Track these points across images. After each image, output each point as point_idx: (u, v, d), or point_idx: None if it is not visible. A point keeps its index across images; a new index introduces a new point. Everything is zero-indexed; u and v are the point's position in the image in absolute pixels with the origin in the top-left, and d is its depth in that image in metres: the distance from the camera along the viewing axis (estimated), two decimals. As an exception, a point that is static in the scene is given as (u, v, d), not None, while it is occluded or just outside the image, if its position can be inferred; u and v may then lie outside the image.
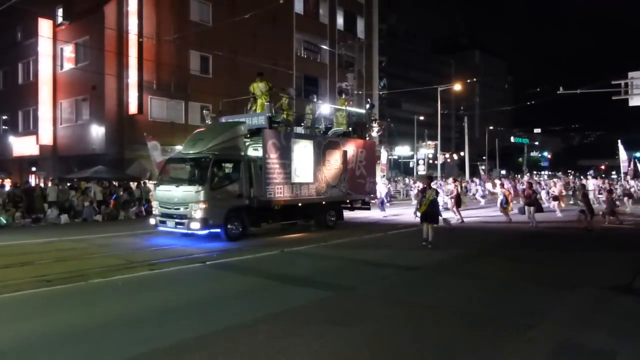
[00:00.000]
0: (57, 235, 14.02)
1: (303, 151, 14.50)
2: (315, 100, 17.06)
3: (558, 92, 24.30)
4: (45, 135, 28.03)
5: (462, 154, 51.03)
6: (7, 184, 21.26)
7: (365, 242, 13.29)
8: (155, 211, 13.41)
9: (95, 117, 25.65)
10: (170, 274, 8.89)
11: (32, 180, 27.69)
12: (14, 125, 31.40)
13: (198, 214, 12.07)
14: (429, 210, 11.65)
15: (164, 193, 12.99)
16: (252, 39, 28.64)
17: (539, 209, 16.87)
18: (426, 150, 55.14)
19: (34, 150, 28.79)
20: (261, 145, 13.36)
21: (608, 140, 44.94)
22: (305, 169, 14.54)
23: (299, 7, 35.55)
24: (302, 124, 16.08)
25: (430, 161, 54.07)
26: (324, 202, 15.42)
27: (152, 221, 13.28)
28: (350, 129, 16.99)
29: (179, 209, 12.44)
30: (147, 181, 21.76)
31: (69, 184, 20.89)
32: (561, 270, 9.43)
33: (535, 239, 14.22)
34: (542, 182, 31.25)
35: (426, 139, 56.44)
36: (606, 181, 29.52)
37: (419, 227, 12.29)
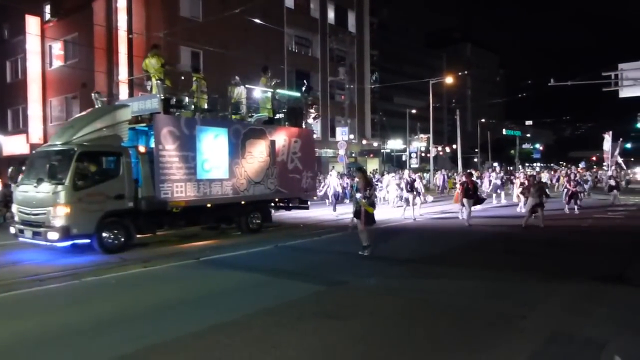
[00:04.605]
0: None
1: (214, 141, 12.36)
2: (237, 80, 14.28)
3: (549, 84, 24.41)
4: (36, 134, 27.83)
5: (454, 146, 51.17)
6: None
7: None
8: (15, 217, 10.94)
9: (86, 115, 25.44)
10: (163, 271, 8.88)
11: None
12: (3, 124, 31.12)
13: (57, 221, 9.66)
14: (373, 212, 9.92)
15: (23, 195, 10.59)
16: (242, 34, 28.51)
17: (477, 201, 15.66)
18: (418, 143, 55.23)
19: (25, 149, 28.47)
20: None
21: (598, 132, 45.21)
22: (218, 162, 12.42)
23: (289, 1, 35.48)
24: (230, 110, 13.87)
25: (423, 154, 54.20)
26: (243, 202, 13.22)
27: (11, 230, 10.90)
28: (280, 114, 14.72)
29: (38, 214, 10.04)
30: None
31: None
32: (553, 262, 9.51)
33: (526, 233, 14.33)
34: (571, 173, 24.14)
35: (418, 132, 56.55)
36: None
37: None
